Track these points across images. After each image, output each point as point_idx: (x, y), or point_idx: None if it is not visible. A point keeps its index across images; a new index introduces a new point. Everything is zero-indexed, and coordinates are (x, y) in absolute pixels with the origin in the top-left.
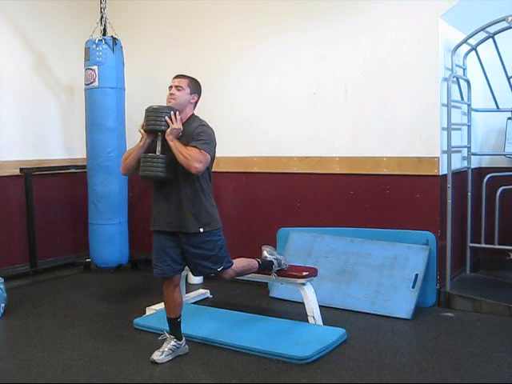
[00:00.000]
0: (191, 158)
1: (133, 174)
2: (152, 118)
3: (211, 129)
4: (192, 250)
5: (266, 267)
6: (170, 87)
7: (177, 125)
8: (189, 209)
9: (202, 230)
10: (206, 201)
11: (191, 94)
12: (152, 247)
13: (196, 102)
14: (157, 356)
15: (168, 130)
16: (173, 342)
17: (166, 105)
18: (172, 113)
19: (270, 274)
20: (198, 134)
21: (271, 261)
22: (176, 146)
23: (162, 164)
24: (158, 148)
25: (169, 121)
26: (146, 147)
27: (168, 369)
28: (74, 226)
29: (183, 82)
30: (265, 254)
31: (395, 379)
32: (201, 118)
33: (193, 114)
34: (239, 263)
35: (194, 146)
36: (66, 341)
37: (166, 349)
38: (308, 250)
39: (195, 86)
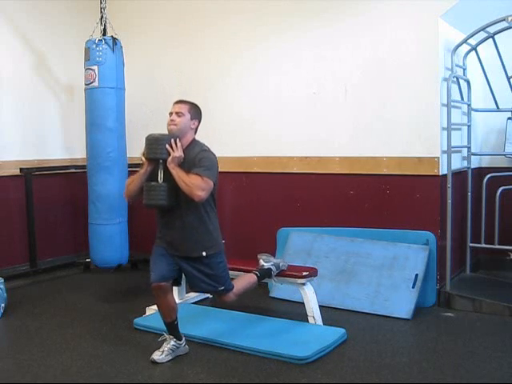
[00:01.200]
0: (194, 186)
1: (136, 200)
2: (153, 147)
3: (213, 154)
4: (192, 270)
5: (265, 276)
6: (171, 113)
7: (178, 153)
8: (191, 236)
9: (204, 253)
10: (210, 225)
11: (192, 119)
12: (152, 256)
13: (197, 128)
14: (157, 356)
15: (169, 159)
16: (172, 342)
17: (166, 130)
18: (172, 140)
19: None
20: (200, 160)
21: (269, 268)
22: (178, 174)
23: (164, 192)
24: (160, 175)
25: (170, 149)
26: (148, 174)
27: (168, 369)
28: (74, 226)
29: (183, 108)
30: (261, 262)
31: (395, 379)
32: (201, 141)
33: (194, 139)
34: (239, 285)
35: (197, 174)
36: (66, 341)
37: (166, 349)
38: (308, 249)
39: (195, 112)
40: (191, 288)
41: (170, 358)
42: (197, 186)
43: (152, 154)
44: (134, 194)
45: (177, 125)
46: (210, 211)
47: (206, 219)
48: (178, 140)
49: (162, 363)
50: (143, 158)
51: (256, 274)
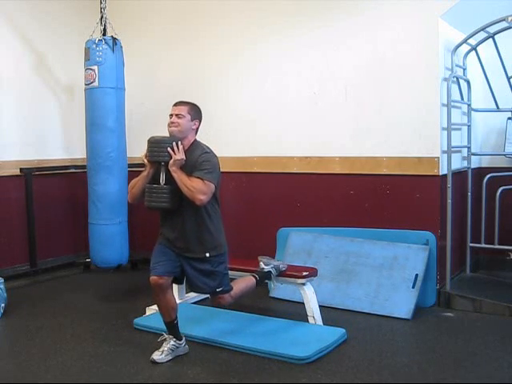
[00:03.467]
0: (195, 190)
1: (140, 202)
2: (155, 150)
3: (214, 155)
4: (193, 269)
5: (264, 279)
6: (171, 115)
7: (179, 155)
8: (194, 236)
9: (207, 254)
10: (212, 226)
11: (192, 120)
12: (153, 252)
13: (197, 128)
14: (157, 356)
15: (171, 162)
16: (172, 342)
17: (167, 131)
18: (174, 143)
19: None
20: (202, 163)
21: (269, 271)
22: (180, 177)
23: (167, 195)
24: (162, 178)
25: (171, 152)
26: (150, 177)
27: (168, 369)
28: (74, 226)
29: (183, 110)
30: (261, 265)
31: (395, 379)
32: (203, 142)
33: (195, 140)
34: (237, 287)
35: (198, 177)
36: (66, 341)
37: (166, 348)
38: (308, 249)
39: (196, 112)
40: (190, 288)
41: (170, 357)
42: (198, 190)
43: (154, 156)
44: (137, 197)
45: (177, 126)
46: (213, 213)
47: (208, 221)
48: (179, 143)
49: (162, 363)
50: (145, 160)
51: (255, 277)
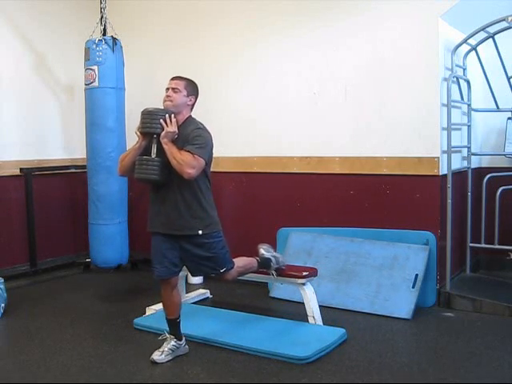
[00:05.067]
0: (184, 163)
1: (129, 175)
2: (147, 121)
3: (207, 132)
4: (192, 251)
5: (264, 265)
6: (167, 89)
7: (172, 128)
8: (186, 211)
9: (200, 232)
10: (204, 202)
11: (188, 96)
12: (151, 248)
13: (193, 105)
14: (157, 356)
15: (163, 133)
16: (173, 342)
17: (162, 106)
18: (167, 116)
19: (268, 274)
20: (194, 137)
21: (269, 258)
22: (170, 150)
23: (157, 167)
24: (154, 150)
25: (164, 124)
26: (142, 149)
27: (168, 369)
28: (74, 226)
29: (180, 84)
30: (261, 251)
31: (395, 379)
32: (198, 119)
33: (190, 116)
34: (240, 263)
35: (188, 151)
36: (66, 341)
37: (166, 349)
38: (308, 249)
39: (192, 88)
40: (192, 273)
41: (170, 358)
42: (187, 163)
43: (146, 128)
44: (127, 169)
45: (172, 101)
46: (205, 190)
47: (201, 196)
48: (172, 116)
49: (162, 363)
50: (138, 133)
51: (257, 260)
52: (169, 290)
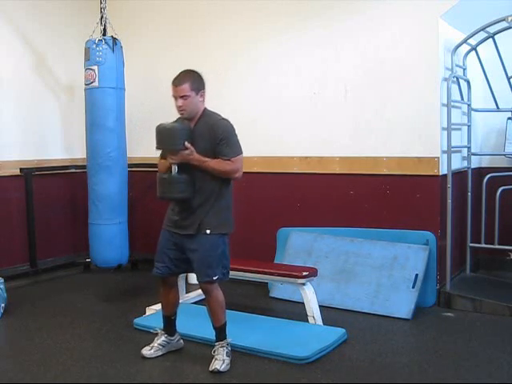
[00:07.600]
0: (227, 172)
1: None
2: (165, 140)
3: (228, 121)
4: (192, 247)
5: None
6: (175, 98)
7: (187, 150)
8: (202, 212)
9: (208, 231)
10: (222, 201)
11: (197, 94)
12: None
13: (204, 96)
14: (146, 351)
15: (184, 157)
16: (163, 338)
17: (177, 115)
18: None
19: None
20: (221, 140)
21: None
22: (206, 166)
23: (183, 184)
24: (174, 168)
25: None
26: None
27: (168, 369)
28: (74, 226)
29: (186, 89)
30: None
31: (395, 379)
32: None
33: (205, 109)
34: (220, 297)
35: (227, 159)
36: (66, 341)
37: (156, 344)
38: (308, 249)
39: (198, 82)
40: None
41: (161, 353)
42: (229, 171)
43: (167, 146)
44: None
45: (186, 109)
46: (225, 191)
47: (219, 197)
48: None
49: (151, 358)
50: (171, 161)
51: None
52: (166, 288)
